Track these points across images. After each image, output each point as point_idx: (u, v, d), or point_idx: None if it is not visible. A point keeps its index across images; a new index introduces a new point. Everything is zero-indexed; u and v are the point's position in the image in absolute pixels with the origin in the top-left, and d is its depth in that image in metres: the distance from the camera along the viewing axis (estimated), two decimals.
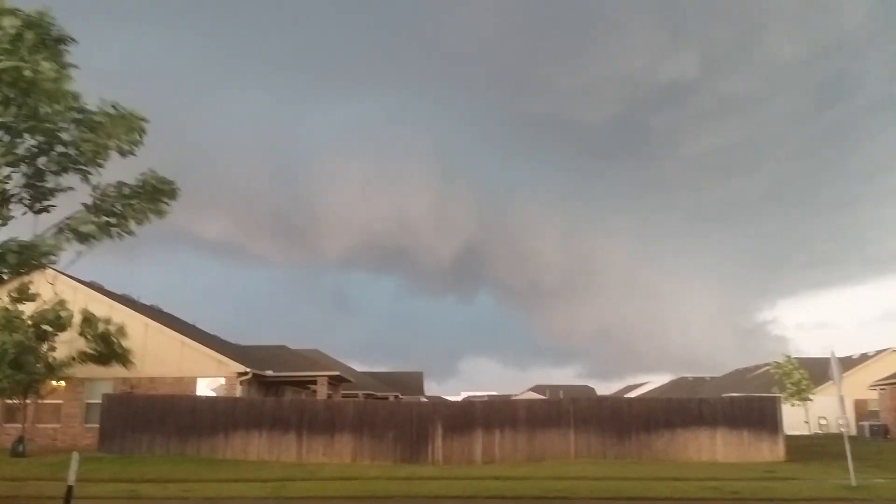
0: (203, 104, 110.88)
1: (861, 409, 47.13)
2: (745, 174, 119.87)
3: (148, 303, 34.59)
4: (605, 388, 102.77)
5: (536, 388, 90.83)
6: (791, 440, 26.13)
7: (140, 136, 10.71)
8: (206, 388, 28.39)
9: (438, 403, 27.99)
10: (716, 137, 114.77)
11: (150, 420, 24.32)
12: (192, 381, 28.35)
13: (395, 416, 24.35)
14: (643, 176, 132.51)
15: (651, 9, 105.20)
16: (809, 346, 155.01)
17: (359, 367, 61.44)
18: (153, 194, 11.24)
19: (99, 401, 25.64)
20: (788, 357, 36.85)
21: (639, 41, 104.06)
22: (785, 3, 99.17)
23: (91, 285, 29.74)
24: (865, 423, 43.13)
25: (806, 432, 37.21)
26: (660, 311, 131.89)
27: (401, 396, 55.76)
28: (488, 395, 79.40)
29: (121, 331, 25.26)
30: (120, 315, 28.26)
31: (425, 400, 52.65)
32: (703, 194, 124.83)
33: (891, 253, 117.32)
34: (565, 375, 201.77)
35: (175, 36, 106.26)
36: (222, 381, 28.61)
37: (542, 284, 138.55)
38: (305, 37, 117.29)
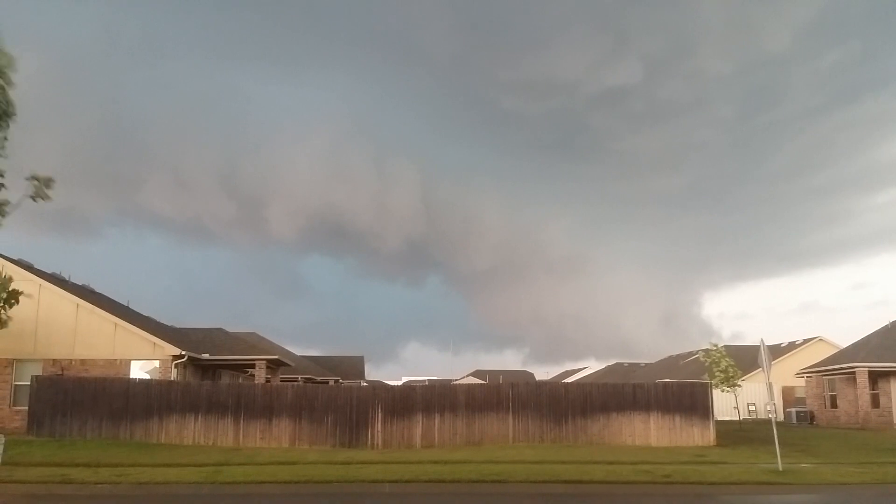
0: (141, 78, 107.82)
1: (788, 396, 48.90)
2: (674, 172, 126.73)
3: (79, 282, 33.60)
4: (543, 374, 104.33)
5: (476, 374, 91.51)
6: (721, 425, 26.94)
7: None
8: (139, 370, 27.79)
9: (378, 388, 27.93)
10: (649, 137, 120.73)
11: (82, 403, 23.70)
12: (126, 364, 27.74)
13: (335, 401, 24.23)
14: (580, 168, 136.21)
15: (596, 18, 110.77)
16: (729, 335, 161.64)
17: (299, 351, 61.02)
18: None
19: (27, 383, 24.89)
20: (716, 346, 37.84)
21: (582, 46, 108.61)
22: (717, 24, 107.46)
23: (19, 263, 28.70)
24: (792, 410, 44.75)
25: (735, 418, 38.36)
26: (597, 298, 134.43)
27: (341, 381, 55.58)
28: (429, 380, 79.75)
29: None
30: (49, 295, 27.50)
31: (365, 384, 52.48)
32: (635, 188, 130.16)
33: (804, 249, 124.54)
34: (505, 361, 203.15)
35: (113, 11, 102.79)
36: (156, 364, 28.05)
37: (485, 270, 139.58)
38: (257, 17, 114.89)
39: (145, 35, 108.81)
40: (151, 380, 26.43)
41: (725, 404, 38.22)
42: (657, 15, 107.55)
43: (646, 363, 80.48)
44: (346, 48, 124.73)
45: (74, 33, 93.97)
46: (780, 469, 16.90)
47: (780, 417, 42.59)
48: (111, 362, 27.57)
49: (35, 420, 23.71)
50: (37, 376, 24.80)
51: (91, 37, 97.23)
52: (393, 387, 29.62)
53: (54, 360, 26.77)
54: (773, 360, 21.38)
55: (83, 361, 27.37)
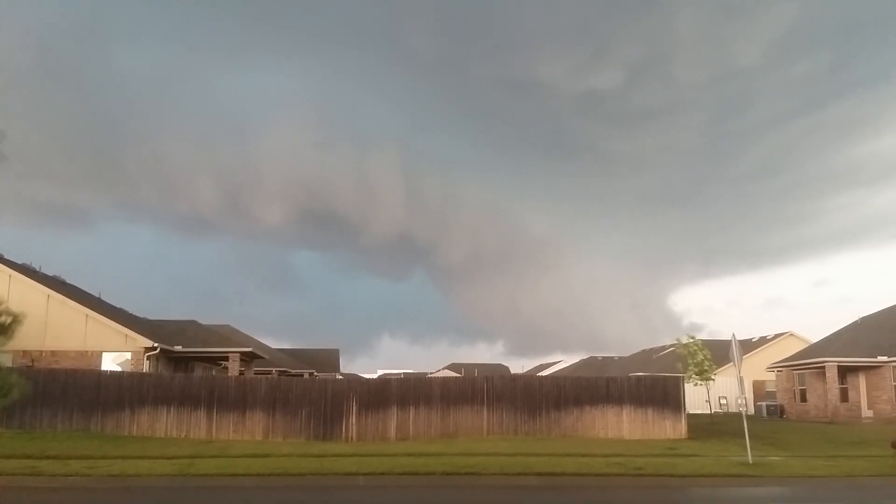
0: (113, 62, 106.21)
1: (759, 390, 49.54)
2: (648, 171, 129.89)
3: (51, 273, 33.15)
4: (519, 367, 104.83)
5: (452, 367, 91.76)
6: (693, 418, 27.24)
7: None
8: (111, 362, 27.50)
9: (354, 380, 27.86)
10: (624, 138, 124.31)
11: (52, 395, 23.40)
12: (97, 356, 27.44)
13: (309, 393, 24.15)
14: (558, 164, 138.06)
15: (578, 25, 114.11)
16: (689, 326, 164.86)
17: (275, 344, 60.86)
18: None
19: None
20: (693, 338, 38.27)
21: (564, 50, 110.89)
22: (691, 37, 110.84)
23: None
24: (763, 404, 45.36)
25: (707, 411, 38.80)
26: (572, 292, 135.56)
27: (316, 374, 55.37)
28: (404, 373, 79.78)
29: None
30: (20, 286, 27.10)
31: (341, 377, 52.33)
32: (610, 186, 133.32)
33: (769, 247, 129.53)
34: (481, 354, 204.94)
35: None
36: (128, 356, 27.76)
37: (462, 264, 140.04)
38: (247, 10, 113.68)
39: (136, 18, 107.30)
40: (123, 372, 26.16)
41: (697, 398, 38.65)
42: (636, 25, 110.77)
43: (620, 357, 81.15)
44: (331, 42, 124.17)
45: (54, 16, 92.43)
46: (750, 462, 17.13)
47: (751, 411, 43.14)
48: (82, 354, 27.26)
49: (4, 412, 23.31)
50: (7, 368, 24.41)
51: (68, 20, 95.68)
52: (368, 380, 29.55)
53: (24, 352, 26.39)
54: (745, 354, 21.64)
55: (54, 353, 27.04)
